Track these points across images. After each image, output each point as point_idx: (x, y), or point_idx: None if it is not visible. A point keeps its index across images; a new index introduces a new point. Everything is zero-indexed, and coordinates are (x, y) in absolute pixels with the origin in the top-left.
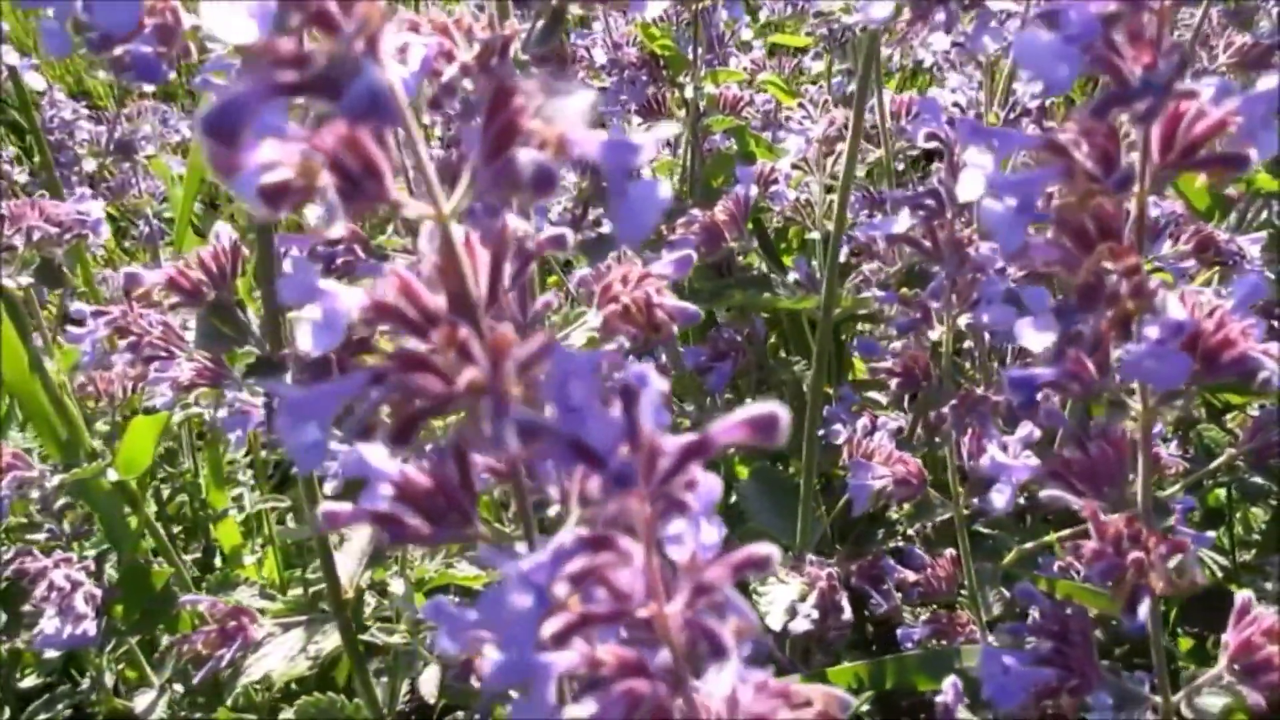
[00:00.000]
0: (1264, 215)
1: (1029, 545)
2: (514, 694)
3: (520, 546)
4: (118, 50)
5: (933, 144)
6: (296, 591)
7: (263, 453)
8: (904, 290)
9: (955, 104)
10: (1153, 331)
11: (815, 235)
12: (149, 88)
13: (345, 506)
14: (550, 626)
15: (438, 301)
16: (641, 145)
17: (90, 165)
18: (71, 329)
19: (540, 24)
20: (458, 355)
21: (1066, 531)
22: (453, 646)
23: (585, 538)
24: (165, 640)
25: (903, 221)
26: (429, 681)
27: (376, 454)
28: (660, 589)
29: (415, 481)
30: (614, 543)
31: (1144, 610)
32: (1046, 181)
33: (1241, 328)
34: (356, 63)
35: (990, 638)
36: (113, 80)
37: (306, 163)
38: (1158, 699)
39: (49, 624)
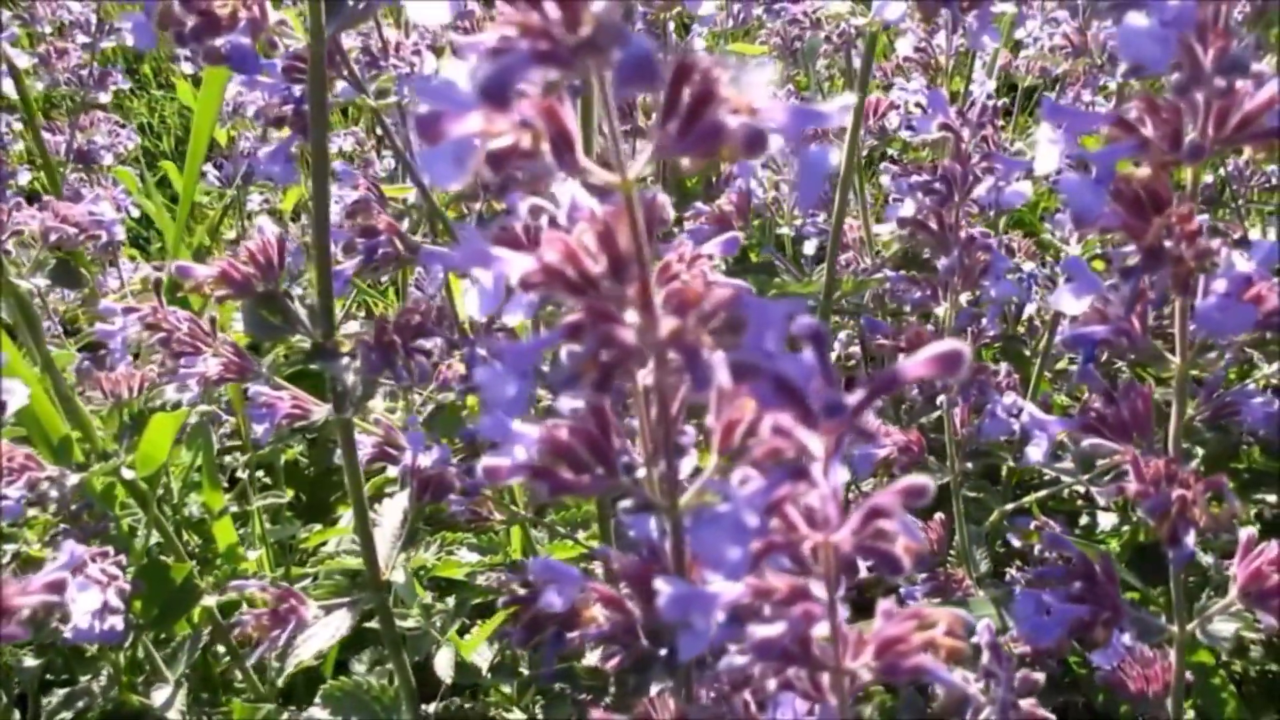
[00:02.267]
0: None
1: (1009, 507)
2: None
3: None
4: (218, 41)
5: (943, 134)
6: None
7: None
8: (911, 271)
9: (917, 104)
10: (1220, 285)
11: (785, 230)
12: (104, 98)
13: (505, 461)
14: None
15: (598, 264)
16: (829, 114)
17: (25, 177)
18: (102, 326)
19: None
20: (643, 309)
21: (1043, 493)
22: (560, 603)
23: (789, 468)
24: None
25: (908, 207)
26: (444, 662)
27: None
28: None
29: (561, 439)
30: (809, 474)
31: (1191, 540)
32: (1122, 155)
33: (1268, 285)
34: (623, 32)
35: (980, 592)
36: (56, 93)
37: (532, 130)
38: (1174, 628)
39: (83, 619)
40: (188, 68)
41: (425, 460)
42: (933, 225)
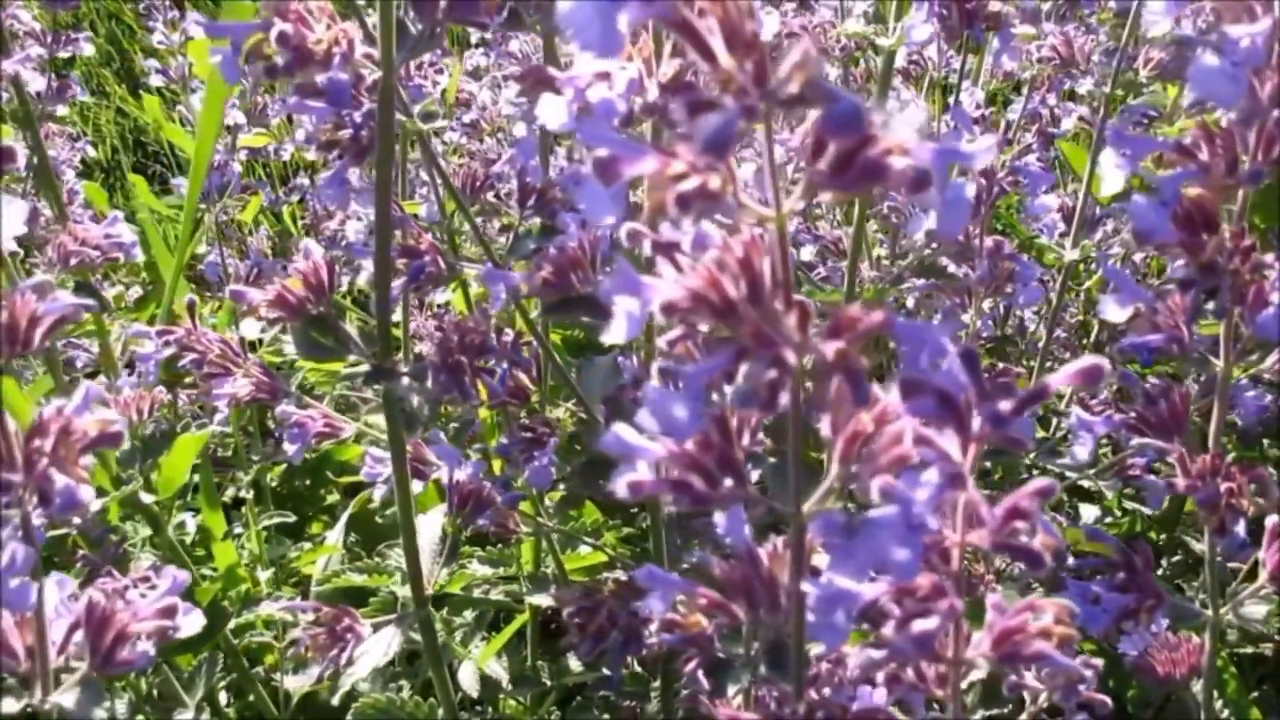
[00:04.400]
0: None
1: None
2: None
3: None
4: (319, 77)
5: None
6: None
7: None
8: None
9: None
10: (1276, 297)
11: None
12: (61, 110)
13: (648, 476)
14: None
15: (739, 290)
16: (974, 154)
17: None
18: (137, 348)
19: None
20: (802, 332)
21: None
22: (661, 608)
23: (951, 475)
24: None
25: (932, 219)
26: (468, 675)
27: (631, 434)
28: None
29: (693, 453)
30: (965, 479)
31: (1241, 529)
32: (1185, 179)
33: None
34: (828, 87)
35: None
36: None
37: (723, 172)
38: (1209, 613)
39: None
40: (156, 80)
41: (461, 475)
42: (959, 237)
